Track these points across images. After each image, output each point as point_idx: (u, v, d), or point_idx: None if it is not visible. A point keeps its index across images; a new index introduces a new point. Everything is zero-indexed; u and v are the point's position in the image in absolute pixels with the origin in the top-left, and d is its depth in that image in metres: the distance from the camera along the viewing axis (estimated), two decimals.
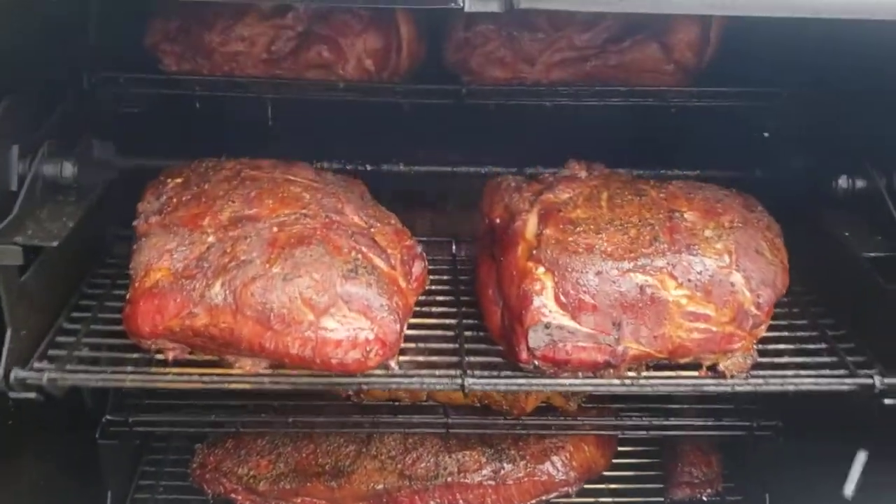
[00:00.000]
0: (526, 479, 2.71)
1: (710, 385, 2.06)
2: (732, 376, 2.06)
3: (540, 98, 2.56)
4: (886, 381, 2.02)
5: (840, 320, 2.27)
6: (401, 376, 2.01)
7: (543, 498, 2.74)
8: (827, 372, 2.08)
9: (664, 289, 2.01)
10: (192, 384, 1.99)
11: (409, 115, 2.54)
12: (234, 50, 2.51)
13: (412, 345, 2.11)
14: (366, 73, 2.54)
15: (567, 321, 1.98)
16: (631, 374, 2.06)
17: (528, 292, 1.99)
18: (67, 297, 2.20)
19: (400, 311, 1.99)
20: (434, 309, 2.26)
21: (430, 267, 2.23)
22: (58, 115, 2.20)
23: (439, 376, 2.03)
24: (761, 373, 2.07)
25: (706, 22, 2.51)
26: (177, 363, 2.02)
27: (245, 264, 1.94)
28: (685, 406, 2.83)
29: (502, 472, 2.70)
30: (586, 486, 2.81)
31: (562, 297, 1.98)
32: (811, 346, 2.17)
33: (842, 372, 2.08)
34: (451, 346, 2.14)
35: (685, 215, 2.11)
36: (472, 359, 2.09)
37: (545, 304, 1.98)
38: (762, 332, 2.08)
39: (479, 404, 2.71)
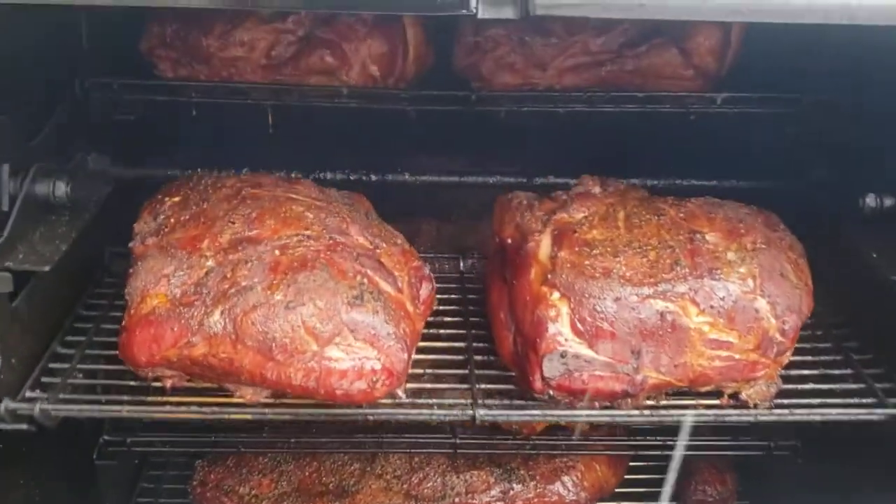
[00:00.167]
0: (536, 500, 2.62)
1: (733, 416, 1.97)
2: (755, 405, 1.98)
3: (553, 104, 2.45)
4: None
5: (865, 344, 2.18)
6: (408, 406, 1.93)
7: None
8: (855, 401, 1.99)
9: (686, 315, 1.91)
10: (190, 415, 1.90)
11: (416, 122, 2.43)
12: (232, 55, 2.41)
13: (420, 370, 2.02)
14: (370, 79, 2.44)
15: (584, 350, 1.89)
16: (649, 402, 1.97)
17: (543, 319, 1.89)
18: (62, 320, 2.12)
19: (408, 338, 1.90)
20: (442, 331, 2.17)
21: (438, 285, 2.14)
22: (50, 128, 2.11)
23: (449, 406, 1.94)
24: (785, 401, 1.98)
25: (727, 26, 2.40)
26: (175, 391, 1.94)
27: (246, 291, 1.84)
28: (701, 424, 2.74)
29: (511, 492, 2.61)
30: None
31: (578, 325, 1.89)
32: (836, 372, 2.08)
33: (870, 401, 1.99)
34: (460, 371, 2.05)
35: (707, 236, 2.01)
36: (483, 385, 2.00)
37: (561, 331, 1.89)
38: (787, 359, 2.00)
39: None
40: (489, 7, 1.57)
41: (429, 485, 2.63)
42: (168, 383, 1.93)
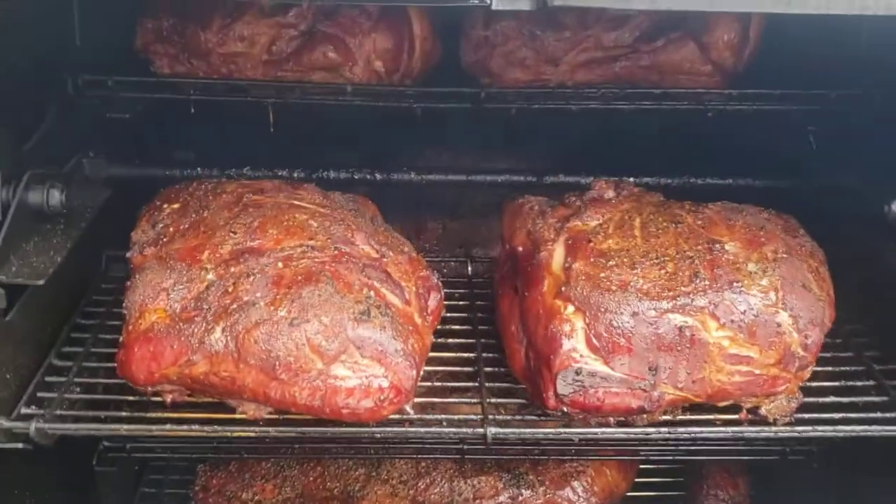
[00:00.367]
0: None
1: (752, 432, 1.90)
2: (775, 421, 1.91)
3: (565, 102, 2.36)
4: None
5: (887, 353, 2.11)
6: (417, 423, 1.87)
7: None
8: (879, 415, 1.93)
9: (705, 330, 1.84)
10: (192, 433, 1.84)
11: (422, 119, 2.35)
12: (232, 50, 2.32)
13: (428, 383, 1.96)
14: (375, 75, 2.36)
15: (599, 366, 1.82)
16: (665, 417, 1.91)
17: (557, 334, 1.82)
18: (58, 331, 2.05)
19: (416, 354, 1.83)
20: (450, 341, 2.10)
21: (445, 291, 2.06)
22: (42, 131, 2.02)
23: (459, 424, 1.88)
24: (807, 416, 1.92)
25: (746, 21, 2.31)
26: (175, 406, 1.87)
27: (248, 306, 1.77)
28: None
29: (520, 498, 2.56)
30: None
31: (594, 340, 1.82)
32: (858, 384, 2.02)
33: (895, 415, 1.92)
34: (470, 384, 1.99)
35: (726, 246, 1.93)
36: (493, 400, 1.94)
37: (575, 347, 1.82)
38: (808, 373, 1.93)
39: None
40: None
41: (436, 490, 2.57)
42: (168, 398, 1.86)
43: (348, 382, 1.76)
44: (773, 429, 1.90)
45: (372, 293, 1.84)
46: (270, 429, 1.85)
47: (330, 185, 2.42)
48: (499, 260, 2.20)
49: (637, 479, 2.76)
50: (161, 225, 1.95)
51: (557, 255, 1.93)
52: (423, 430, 1.86)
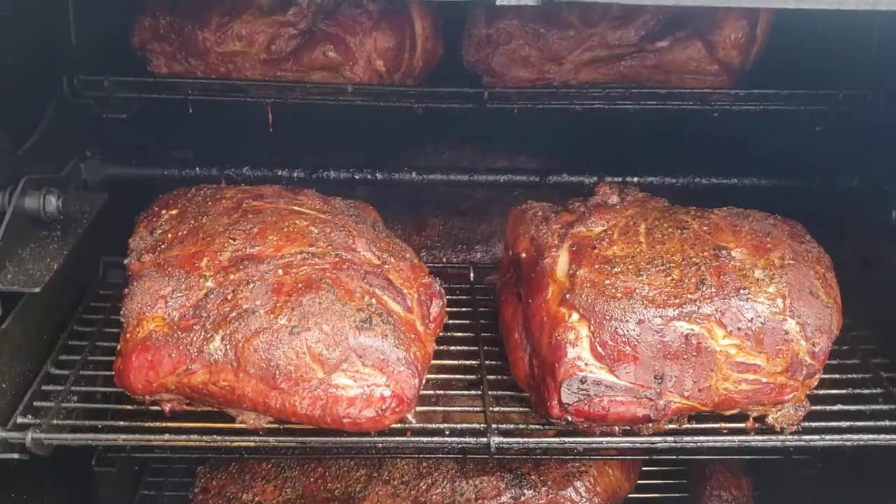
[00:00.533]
0: None
1: (759, 442, 1.88)
2: (783, 429, 1.89)
3: (569, 101, 2.33)
4: None
5: (894, 360, 2.09)
6: (419, 433, 1.84)
7: None
8: (886, 424, 1.90)
9: (711, 338, 1.82)
10: (190, 443, 1.82)
11: (424, 119, 2.31)
12: (230, 49, 2.29)
13: (430, 392, 1.93)
14: (376, 74, 2.33)
15: (605, 374, 1.79)
16: (671, 425, 1.88)
17: (562, 342, 1.80)
18: (55, 338, 2.02)
19: (418, 362, 1.80)
20: (453, 348, 2.07)
21: (448, 298, 2.02)
22: (38, 134, 1.99)
23: (462, 433, 1.85)
24: (814, 425, 1.89)
25: (753, 19, 2.27)
26: (174, 415, 1.84)
27: (247, 314, 1.74)
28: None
29: (522, 498, 2.53)
30: None
31: (599, 349, 1.79)
32: (865, 391, 2.00)
33: None
34: (473, 392, 1.96)
35: (732, 252, 1.90)
36: (496, 409, 1.91)
37: (580, 355, 1.79)
38: (816, 381, 1.90)
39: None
40: None
41: (437, 491, 2.55)
42: (166, 408, 1.83)
43: (350, 391, 1.73)
44: (781, 438, 1.88)
45: (373, 300, 1.81)
46: (270, 438, 1.82)
47: (330, 184, 2.40)
48: (502, 266, 2.17)
49: (640, 480, 2.74)
50: (159, 231, 1.92)
51: (562, 261, 1.90)
52: (425, 439, 1.84)
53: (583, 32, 2.32)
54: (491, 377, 2.00)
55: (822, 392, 1.96)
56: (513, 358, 1.96)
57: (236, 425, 1.83)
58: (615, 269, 1.85)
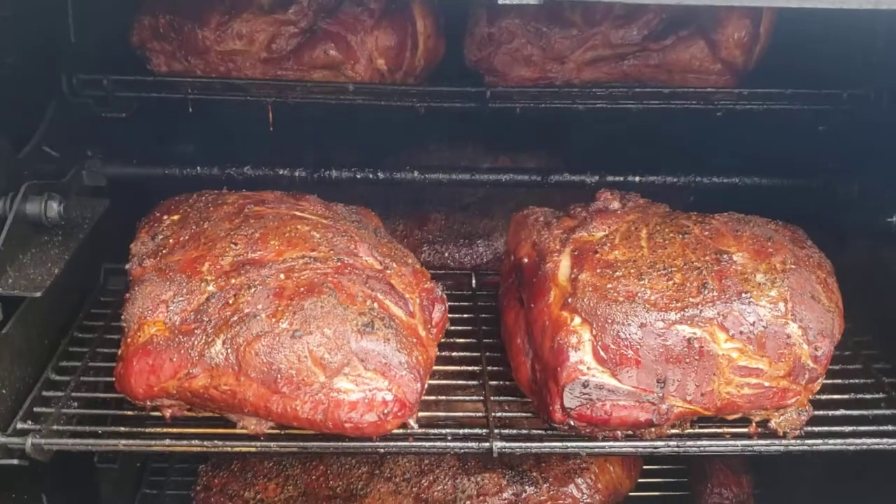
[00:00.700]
0: (549, 503, 2.56)
1: (762, 446, 1.88)
2: (785, 433, 1.88)
3: (572, 101, 2.31)
4: None
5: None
6: (422, 438, 1.83)
7: None
8: (889, 428, 1.90)
9: (714, 341, 1.81)
10: (191, 448, 1.81)
11: (426, 118, 2.30)
12: (230, 48, 2.27)
13: (432, 397, 1.93)
14: (377, 73, 2.31)
15: (607, 378, 1.79)
16: (674, 430, 1.88)
17: (564, 346, 1.79)
18: (56, 344, 2.02)
19: (420, 367, 1.79)
20: (455, 353, 2.07)
21: (450, 303, 2.02)
22: (38, 136, 1.97)
23: (464, 438, 1.85)
24: (817, 429, 1.89)
25: (756, 18, 2.26)
26: (175, 421, 1.84)
27: (249, 318, 1.73)
28: None
29: (524, 495, 2.53)
30: None
31: (601, 352, 1.79)
32: (868, 397, 2.00)
33: None
34: (475, 397, 1.96)
35: (734, 257, 1.90)
36: (499, 413, 1.91)
37: (583, 359, 1.79)
38: (818, 386, 1.90)
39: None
40: None
41: (439, 488, 2.54)
42: (167, 413, 1.83)
43: (351, 396, 1.72)
44: (784, 442, 1.87)
45: (375, 305, 1.81)
46: (272, 444, 1.81)
47: (332, 184, 2.39)
48: (504, 271, 2.16)
49: (641, 478, 2.74)
50: (161, 236, 1.91)
51: (563, 266, 1.90)
52: (427, 444, 1.83)
53: (585, 31, 2.30)
54: (493, 383, 2.00)
55: (824, 397, 1.96)
56: (515, 363, 1.96)
57: (237, 430, 1.83)
58: (617, 274, 1.85)
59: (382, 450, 1.83)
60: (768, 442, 1.88)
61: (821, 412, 1.93)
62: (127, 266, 1.88)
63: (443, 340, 2.00)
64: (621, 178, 2.41)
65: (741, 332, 1.81)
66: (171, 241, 1.89)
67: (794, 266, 1.90)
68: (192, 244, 1.87)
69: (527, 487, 2.55)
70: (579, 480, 2.57)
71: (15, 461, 1.76)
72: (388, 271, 1.90)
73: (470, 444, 1.83)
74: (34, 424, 1.80)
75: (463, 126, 2.50)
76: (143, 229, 1.95)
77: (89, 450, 1.83)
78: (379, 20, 2.26)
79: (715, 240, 1.94)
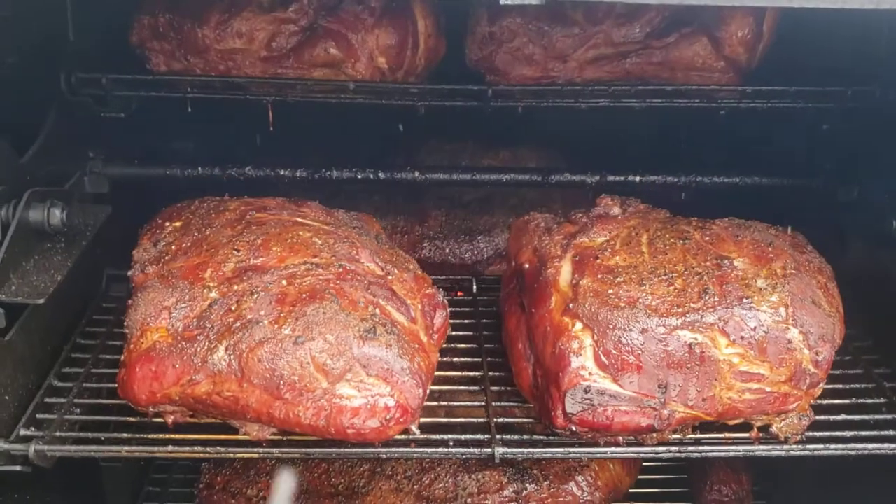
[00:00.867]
0: (549, 500, 2.53)
1: (763, 451, 1.88)
2: (787, 439, 1.89)
3: (574, 99, 2.30)
4: None
5: None
6: (423, 443, 1.84)
7: None
8: (890, 433, 1.90)
9: (715, 347, 1.82)
10: (194, 455, 1.82)
11: (426, 117, 2.29)
12: (230, 47, 2.25)
13: (434, 402, 1.93)
14: (378, 72, 2.30)
15: (609, 384, 1.79)
16: (675, 436, 1.89)
17: (565, 352, 1.80)
18: (58, 350, 2.02)
19: (422, 372, 1.80)
20: (456, 359, 2.07)
21: (451, 308, 2.02)
22: (40, 141, 1.96)
23: (465, 443, 1.85)
24: (818, 434, 1.90)
25: (760, 16, 2.24)
26: (177, 426, 1.84)
27: (251, 325, 1.74)
28: None
29: (524, 492, 2.53)
30: None
31: (603, 358, 1.79)
32: (869, 401, 2.00)
33: None
34: (477, 402, 1.96)
35: (735, 262, 1.91)
36: (500, 419, 1.91)
37: (584, 365, 1.79)
38: (820, 391, 1.90)
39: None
40: None
41: (440, 485, 2.55)
42: (170, 419, 1.83)
43: (354, 402, 1.73)
44: (785, 447, 1.87)
45: (377, 311, 1.81)
46: (274, 450, 1.82)
47: (333, 184, 2.39)
48: (505, 277, 2.17)
49: (641, 476, 2.75)
50: (163, 243, 1.92)
51: (564, 271, 1.90)
52: (429, 450, 1.84)
53: (587, 30, 2.28)
54: (495, 388, 2.01)
55: (825, 402, 1.96)
56: (516, 368, 1.96)
57: (240, 436, 1.83)
58: (618, 279, 1.85)
59: (385, 455, 1.83)
60: (770, 447, 1.88)
61: (822, 417, 1.93)
62: (129, 273, 1.88)
63: (444, 345, 2.00)
64: (622, 178, 2.40)
65: (742, 338, 1.81)
66: (173, 247, 1.90)
67: (794, 271, 1.91)
68: (195, 250, 1.87)
69: (527, 485, 2.55)
70: (579, 478, 2.58)
71: (18, 468, 1.76)
72: (390, 277, 1.91)
73: (472, 451, 1.84)
74: (37, 431, 1.80)
75: (464, 126, 2.49)
76: (145, 236, 1.95)
77: (92, 456, 1.82)
78: (380, 19, 2.25)
79: (716, 245, 1.94)
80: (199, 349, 1.74)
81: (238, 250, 1.85)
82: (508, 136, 2.71)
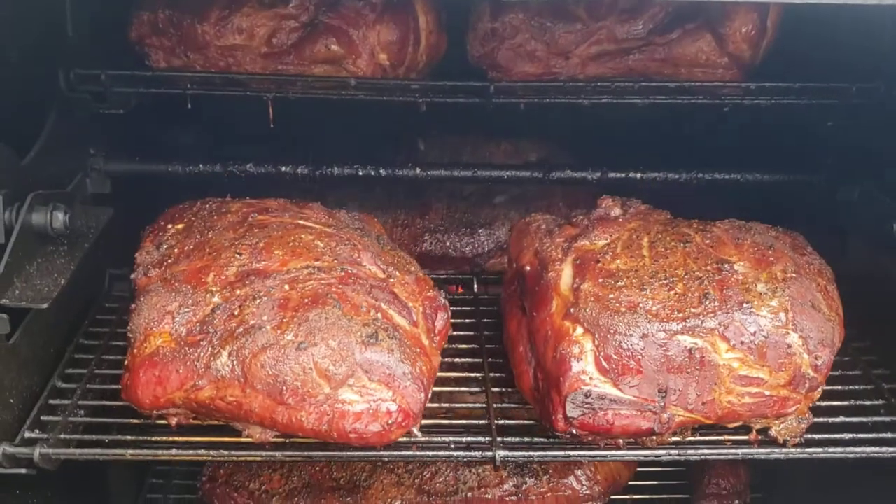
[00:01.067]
0: (549, 494, 2.57)
1: (762, 454, 1.89)
2: (785, 441, 1.90)
3: (577, 96, 2.28)
4: None
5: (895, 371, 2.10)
6: (425, 446, 1.85)
7: None
8: (889, 436, 1.92)
9: (715, 351, 1.83)
10: (198, 457, 1.83)
11: (428, 113, 2.27)
12: (230, 43, 2.25)
13: (435, 404, 1.94)
14: (379, 68, 2.28)
15: (609, 388, 1.80)
16: (675, 438, 1.90)
17: (566, 356, 1.80)
18: (62, 352, 2.03)
19: (424, 377, 1.81)
20: (457, 360, 2.08)
21: (452, 308, 2.02)
22: (41, 142, 1.95)
23: (466, 446, 1.86)
24: (817, 437, 1.91)
25: (763, 11, 2.22)
26: (181, 428, 1.85)
27: (254, 330, 1.75)
28: None
29: (524, 486, 2.56)
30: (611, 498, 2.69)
31: (603, 363, 1.80)
32: (867, 403, 2.01)
33: None
34: (478, 405, 1.97)
35: (735, 266, 1.91)
36: (501, 421, 1.93)
37: (585, 369, 1.80)
38: (819, 394, 1.91)
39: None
40: None
41: (441, 479, 2.57)
42: (173, 422, 1.84)
43: (356, 407, 1.74)
44: (784, 450, 1.89)
45: (379, 315, 1.81)
46: (277, 453, 1.83)
47: (334, 181, 2.38)
48: (506, 279, 2.17)
49: (639, 469, 2.78)
50: (165, 246, 1.92)
51: (565, 275, 1.90)
52: (430, 453, 1.85)
53: (590, 26, 2.27)
54: (495, 390, 2.02)
55: (824, 404, 1.97)
56: (517, 371, 1.97)
57: (242, 439, 1.84)
58: (619, 283, 1.86)
59: (386, 458, 1.85)
60: (768, 450, 1.89)
61: (820, 419, 1.94)
62: (132, 276, 1.89)
63: (445, 346, 2.01)
64: (623, 175, 2.40)
65: (742, 342, 1.82)
66: (175, 250, 1.90)
67: (794, 275, 1.91)
68: (197, 254, 1.87)
69: (527, 479, 2.58)
70: (579, 472, 2.60)
71: (23, 470, 1.78)
72: (392, 280, 1.91)
73: (473, 454, 1.85)
74: (41, 433, 1.81)
75: (465, 122, 2.47)
76: (147, 238, 1.95)
77: (96, 459, 1.83)
78: (381, 14, 2.23)
79: (716, 248, 1.94)
80: (202, 354, 1.75)
81: (240, 254, 1.86)
82: (510, 133, 2.70)
